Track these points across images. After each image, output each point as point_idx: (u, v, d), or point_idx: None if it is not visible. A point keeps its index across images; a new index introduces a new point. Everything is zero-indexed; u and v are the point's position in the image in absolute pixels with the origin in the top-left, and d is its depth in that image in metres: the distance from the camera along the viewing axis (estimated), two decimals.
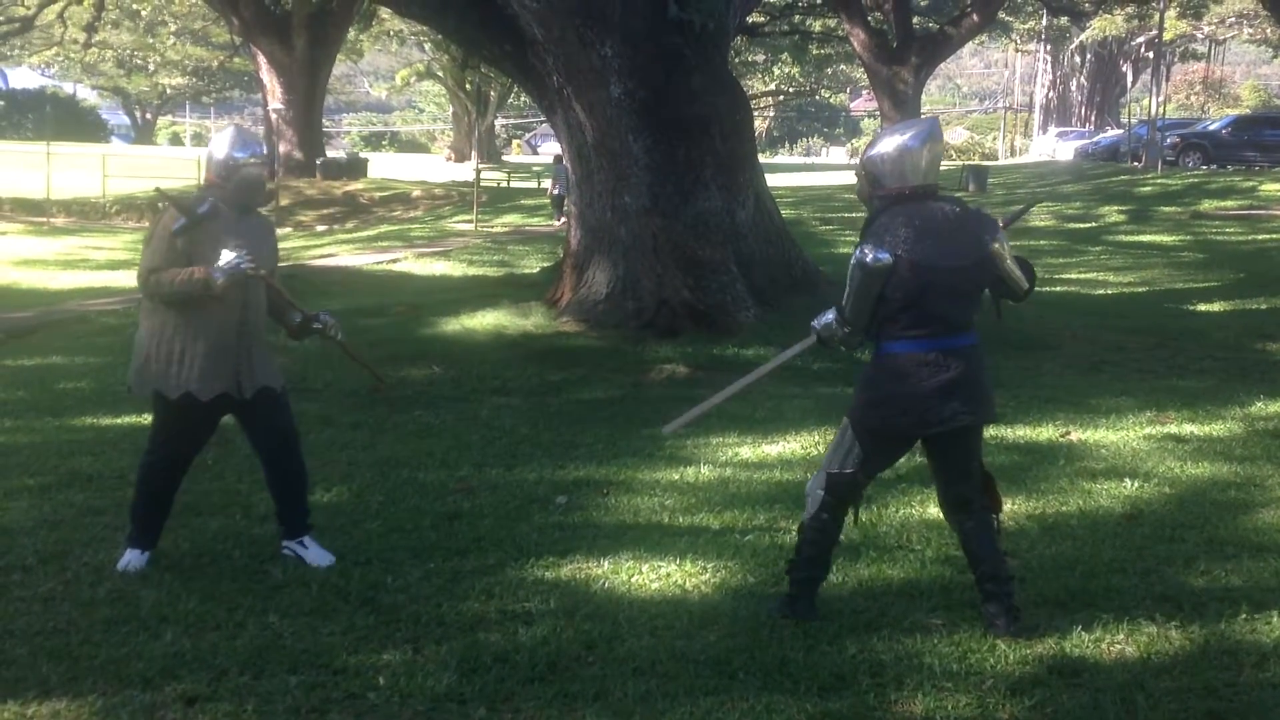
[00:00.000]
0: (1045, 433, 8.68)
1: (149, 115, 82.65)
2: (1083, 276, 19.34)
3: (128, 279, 20.92)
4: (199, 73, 68.69)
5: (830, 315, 4.99)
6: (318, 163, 38.98)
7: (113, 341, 13.37)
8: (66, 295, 18.62)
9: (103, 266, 23.13)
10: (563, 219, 29.13)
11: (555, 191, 29.99)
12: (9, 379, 10.72)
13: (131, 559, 5.65)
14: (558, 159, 33.90)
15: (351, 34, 43.00)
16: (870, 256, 4.71)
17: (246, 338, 5.56)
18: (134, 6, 50.67)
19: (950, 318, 4.75)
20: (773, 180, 16.63)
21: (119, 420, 9.31)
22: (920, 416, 4.75)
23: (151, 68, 66.64)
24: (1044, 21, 56.38)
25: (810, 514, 4.98)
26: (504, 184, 38.30)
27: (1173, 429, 8.76)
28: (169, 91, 75.14)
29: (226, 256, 5.31)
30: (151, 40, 59.26)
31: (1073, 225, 26.31)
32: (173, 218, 5.45)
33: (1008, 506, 6.60)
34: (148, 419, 9.27)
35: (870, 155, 4.87)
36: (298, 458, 5.87)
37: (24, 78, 74.53)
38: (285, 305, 5.84)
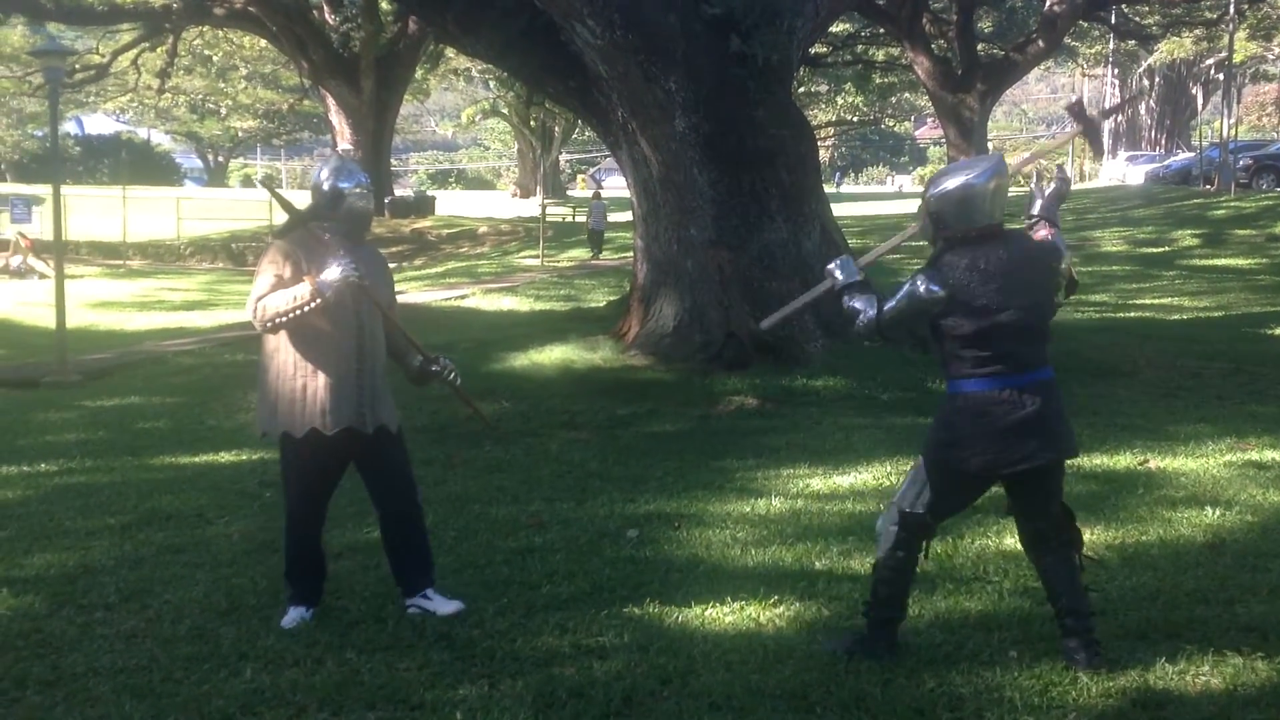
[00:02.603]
0: (1123, 461, 8.54)
1: (221, 158, 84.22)
2: (1157, 302, 19.06)
3: (203, 319, 21.31)
4: (269, 115, 69.86)
5: (861, 302, 4.93)
6: (386, 201, 39.51)
7: (189, 381, 13.62)
8: (143, 336, 19.00)
9: (178, 308, 23.57)
10: (599, 253, 29.35)
11: (591, 226, 30.21)
12: (89, 419, 10.93)
13: (295, 615, 5.50)
14: (596, 196, 34.16)
15: (418, 74, 43.59)
16: (924, 287, 4.67)
17: (367, 368, 5.41)
18: (206, 52, 51.77)
19: (1021, 355, 4.68)
20: (838, 210, 16.58)
21: (197, 459, 9.47)
22: (997, 456, 4.66)
23: (223, 112, 67.93)
24: (1111, 45, 55.83)
25: (884, 552, 4.90)
26: (569, 219, 38.51)
27: (1253, 456, 8.58)
28: (240, 135, 76.52)
29: (331, 269, 5.19)
30: (223, 85, 60.44)
31: (1145, 250, 25.98)
32: (279, 248, 5.36)
33: (1087, 536, 6.50)
34: (224, 457, 9.47)
35: (934, 194, 4.77)
36: (419, 506, 5.70)
37: (99, 124, 76.29)
38: (406, 345, 5.74)
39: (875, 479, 8.24)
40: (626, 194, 14.53)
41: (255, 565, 6.43)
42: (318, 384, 5.31)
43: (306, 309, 5.18)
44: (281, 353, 5.36)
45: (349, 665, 4.95)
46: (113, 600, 5.86)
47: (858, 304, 4.90)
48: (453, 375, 5.82)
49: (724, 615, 5.51)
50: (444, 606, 5.56)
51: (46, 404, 12.57)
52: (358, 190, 5.47)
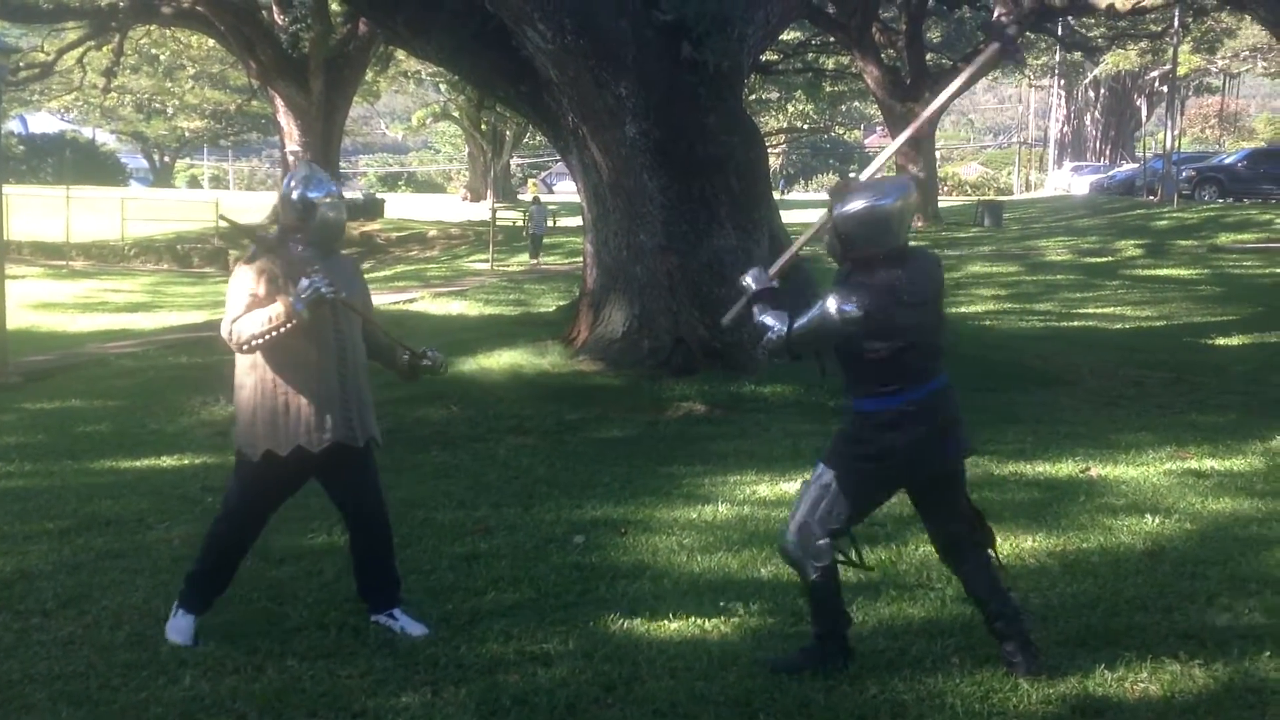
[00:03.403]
0: (1065, 469, 8.64)
1: (167, 158, 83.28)
2: (1100, 311, 19.30)
3: (146, 321, 21.06)
4: (217, 116, 69.14)
5: (771, 318, 4.89)
6: None
7: (131, 384, 13.45)
8: (85, 338, 18.75)
9: (121, 309, 23.27)
10: (538, 258, 29.38)
11: (532, 230, 30.23)
12: (28, 422, 10.77)
13: (188, 625, 5.36)
14: (535, 200, 34.17)
15: (368, 76, 43.33)
16: (837, 307, 4.63)
17: (351, 379, 5.32)
18: (153, 51, 51.20)
19: (928, 368, 4.75)
20: (787, 217, 16.65)
21: (138, 463, 9.35)
22: (916, 465, 4.76)
23: (170, 112, 67.20)
24: (1057, 57, 56.53)
25: (816, 574, 4.80)
26: (519, 223, 38.43)
27: (1193, 464, 8.70)
28: (187, 135, 75.70)
29: (303, 283, 5.07)
30: (170, 84, 59.78)
31: (1089, 260, 26.30)
32: (254, 264, 5.24)
33: (1028, 543, 6.59)
34: (166, 461, 9.36)
35: (844, 214, 4.75)
36: (387, 519, 5.61)
37: (44, 122, 75.19)
38: (389, 344, 5.66)
39: None
40: (577, 199, 14.52)
41: None
42: (301, 401, 5.20)
43: (283, 329, 5.07)
44: (260, 369, 5.24)
45: (290, 672, 4.90)
46: (50, 606, 5.78)
47: (768, 319, 4.87)
48: (443, 366, 5.79)
49: (669, 622, 5.51)
50: (413, 627, 5.43)
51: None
52: (329, 200, 5.35)
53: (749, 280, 5.06)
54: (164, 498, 8.13)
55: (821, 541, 4.79)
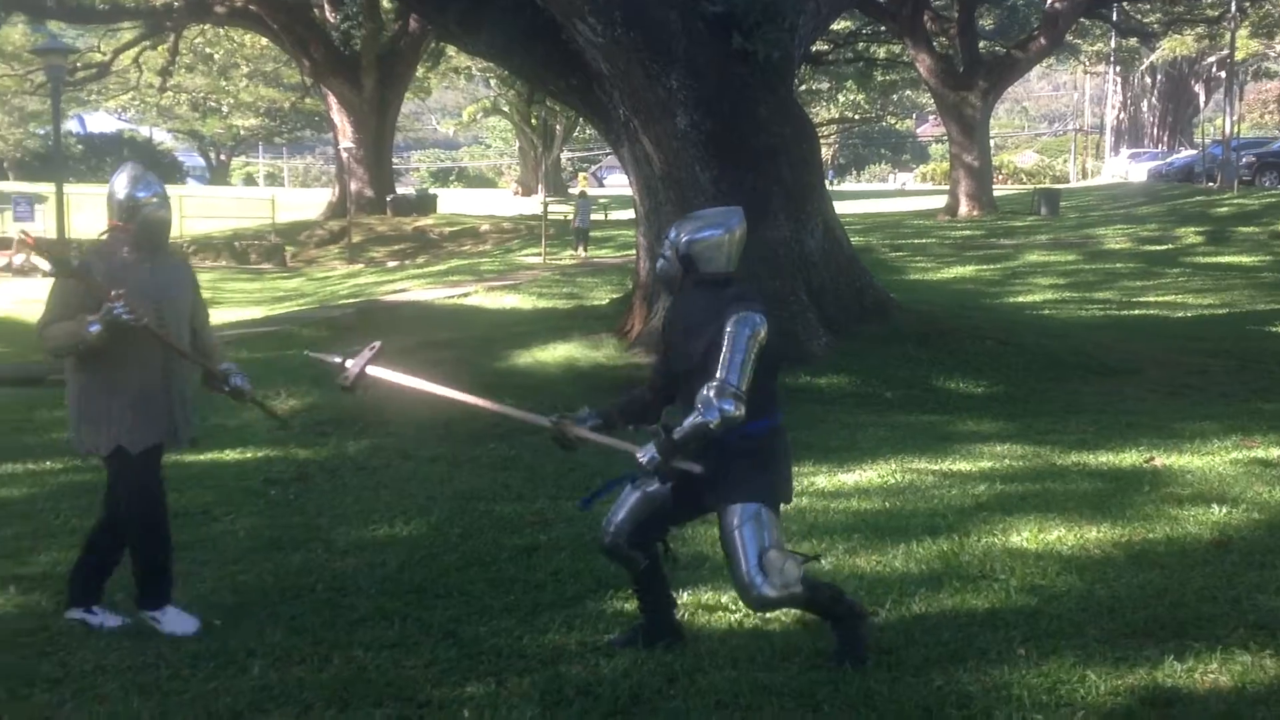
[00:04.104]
0: (1129, 458, 8.54)
1: (223, 156, 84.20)
2: (1161, 299, 19.05)
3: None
4: (271, 114, 69.83)
5: (652, 449, 4.62)
6: (388, 200, 39.51)
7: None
8: None
9: None
10: (583, 250, 29.39)
11: (577, 224, 30.22)
12: None
13: (78, 614, 5.45)
14: (581, 194, 34.20)
15: (419, 72, 43.55)
16: (763, 328, 4.62)
17: (176, 382, 5.41)
18: (207, 50, 51.73)
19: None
20: (841, 208, 16.58)
21: (202, 456, 9.45)
22: (789, 483, 4.84)
23: (225, 110, 67.90)
24: (1112, 43, 55.79)
25: (806, 600, 4.73)
26: (568, 217, 38.51)
27: (1259, 453, 8.58)
28: (242, 133, 76.48)
29: (104, 308, 5.07)
30: (225, 83, 60.38)
31: (1149, 247, 25.95)
32: (73, 269, 5.32)
33: (1092, 534, 6.54)
34: (230, 455, 9.48)
35: (696, 239, 4.79)
36: (167, 520, 5.62)
37: (101, 122, 76.30)
38: (210, 350, 5.70)
39: (880, 477, 8.24)
40: (628, 192, 14.53)
41: (262, 562, 6.42)
42: (123, 403, 5.29)
43: (83, 345, 5.16)
44: (85, 372, 5.31)
45: (356, 662, 4.95)
46: (119, 598, 5.84)
47: (690, 424, 4.56)
48: (243, 395, 5.78)
49: (730, 613, 5.50)
50: (178, 623, 5.41)
51: (51, 402, 12.53)
52: (154, 200, 5.41)
53: (646, 458, 4.65)
54: (228, 490, 8.23)
55: (794, 570, 4.62)
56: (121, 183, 5.42)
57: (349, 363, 5.00)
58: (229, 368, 5.74)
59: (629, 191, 14.59)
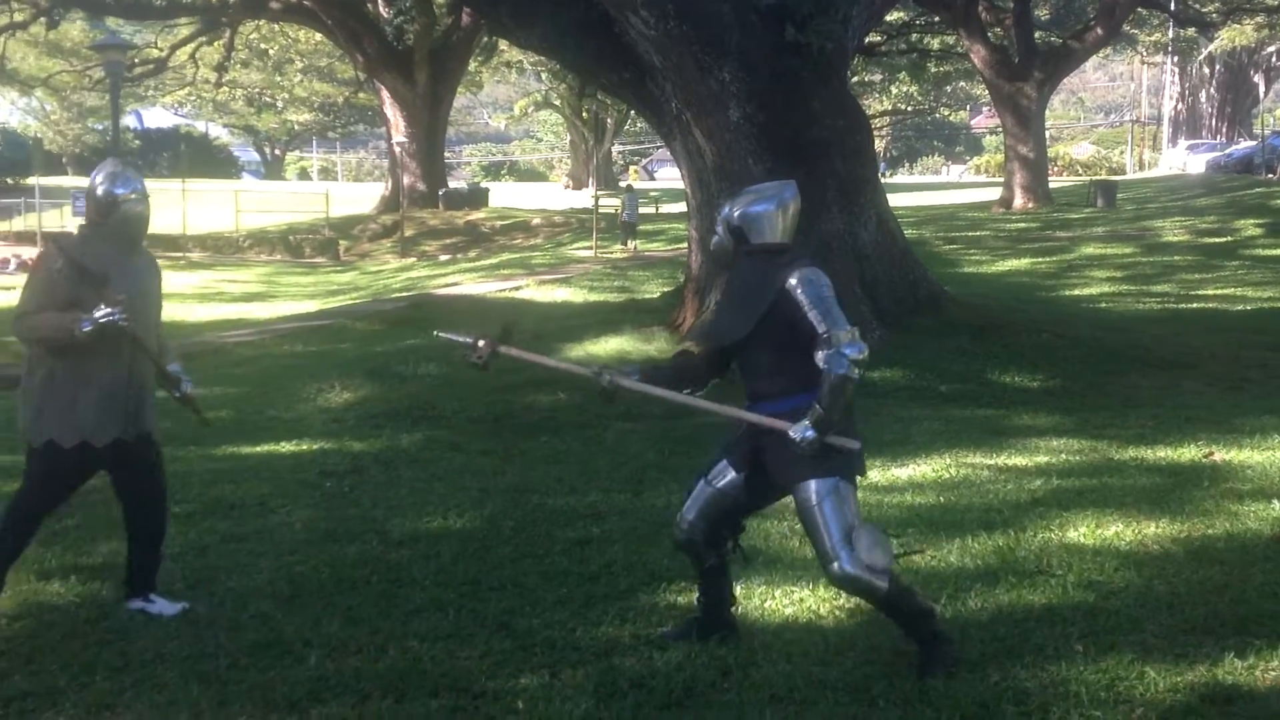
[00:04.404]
0: (1187, 453, 8.43)
1: (277, 151, 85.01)
2: (1220, 292, 18.78)
3: (262, 311, 21.55)
4: (325, 108, 70.47)
5: (807, 427, 4.50)
6: (440, 194, 39.75)
7: (249, 372, 13.78)
8: (204, 327, 19.24)
9: (238, 299, 23.85)
10: (632, 244, 29.38)
11: (624, 218, 30.20)
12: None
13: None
14: (628, 188, 34.14)
15: (471, 66, 43.75)
16: (825, 276, 4.65)
17: (137, 382, 5.47)
18: (262, 46, 52.27)
19: None
20: (894, 200, 16.47)
21: (258, 449, 9.58)
22: None
23: (280, 105, 68.57)
24: (1170, 33, 55.01)
25: (886, 588, 4.56)
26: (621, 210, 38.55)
27: None
28: (296, 128, 77.20)
29: (101, 310, 5.15)
30: (279, 78, 60.98)
31: (1207, 240, 25.58)
32: (52, 259, 5.32)
33: (1151, 529, 6.46)
34: (285, 447, 9.57)
35: (748, 211, 4.76)
36: (164, 510, 5.73)
37: (158, 117, 77.20)
38: (162, 349, 5.74)
39: (934, 471, 8.18)
40: (679, 185, 14.51)
41: (318, 553, 6.48)
42: (90, 398, 5.33)
43: (67, 340, 5.20)
44: (51, 362, 5.35)
45: (411, 653, 4.98)
46: (179, 588, 5.93)
47: (827, 388, 4.48)
48: (190, 389, 5.81)
49: (783, 606, 5.49)
50: (166, 608, 5.56)
51: None
52: (133, 196, 5.44)
53: (808, 433, 4.53)
54: (284, 482, 8.31)
55: (875, 551, 4.52)
56: (100, 179, 5.47)
57: (480, 341, 5.06)
58: (177, 370, 5.77)
59: (680, 185, 14.57)
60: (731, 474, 4.85)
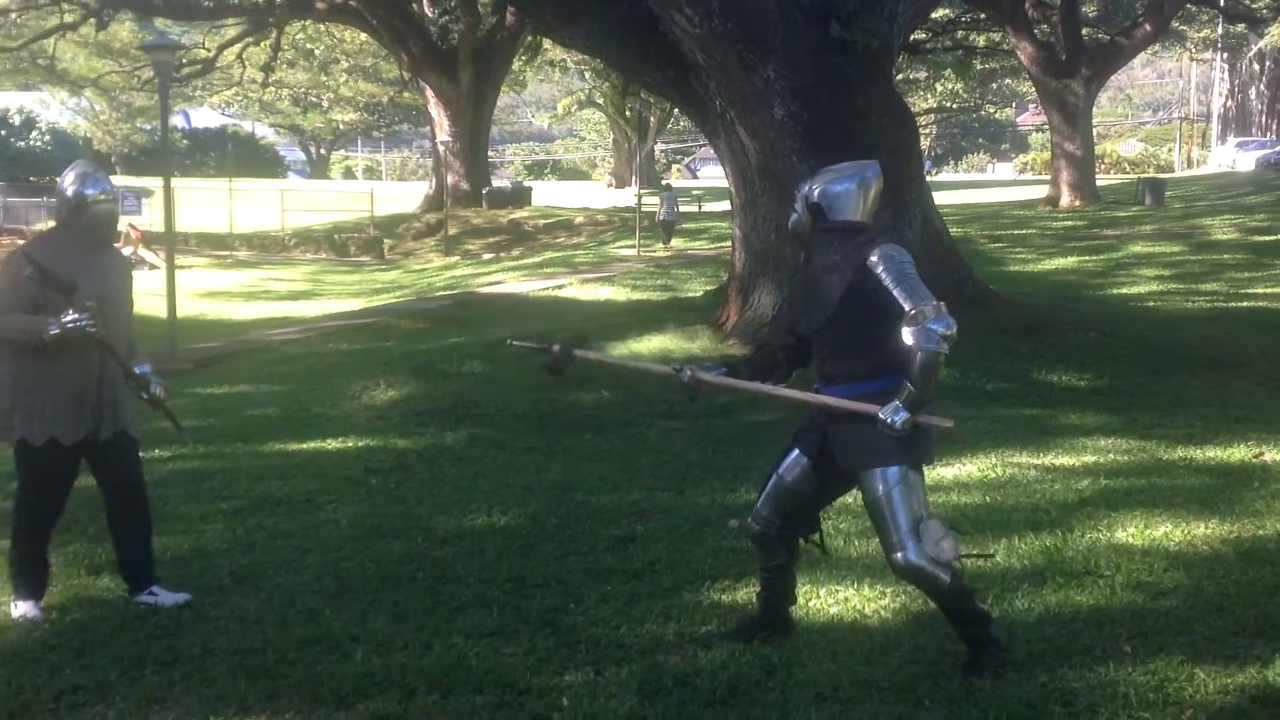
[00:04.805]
0: (1237, 453, 8.33)
1: (323, 150, 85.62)
2: (1270, 291, 18.51)
3: (307, 309, 21.70)
4: (370, 108, 70.87)
5: (898, 408, 4.41)
6: (484, 192, 39.87)
7: (295, 370, 13.88)
8: (250, 325, 19.41)
9: (283, 297, 24.02)
10: (670, 243, 29.35)
11: (661, 217, 30.16)
12: (200, 406, 11.20)
13: (26, 610, 5.51)
14: (666, 186, 34.06)
15: (515, 65, 43.87)
16: (905, 251, 4.59)
17: (108, 382, 5.49)
18: (308, 46, 52.62)
19: None
20: (939, 198, 16.37)
21: (304, 445, 9.65)
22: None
23: (325, 105, 69.02)
24: (1219, 29, 54.34)
25: (951, 576, 4.53)
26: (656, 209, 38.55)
27: None
28: (341, 127, 77.68)
29: (69, 315, 5.21)
30: (325, 78, 61.35)
31: (1257, 238, 25.22)
32: (20, 264, 5.33)
33: (1200, 530, 6.38)
34: (331, 444, 9.65)
35: (827, 188, 4.71)
36: (145, 505, 5.77)
37: (205, 117, 77.91)
38: (133, 349, 5.76)
39: (980, 470, 8.13)
40: (722, 184, 14.49)
41: (363, 550, 6.52)
42: (58, 399, 5.37)
43: (34, 342, 5.25)
44: (19, 361, 5.39)
45: (456, 649, 5.00)
46: (226, 583, 5.99)
47: (918, 366, 4.38)
48: (158, 390, 5.80)
49: (828, 605, 5.47)
50: (170, 598, 5.63)
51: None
52: (103, 197, 5.47)
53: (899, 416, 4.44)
54: (330, 479, 8.37)
55: (945, 543, 4.48)
56: (70, 180, 5.51)
57: (556, 347, 5.09)
58: (145, 370, 5.78)
59: (724, 183, 14.55)
60: (802, 464, 4.81)
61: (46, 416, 5.38)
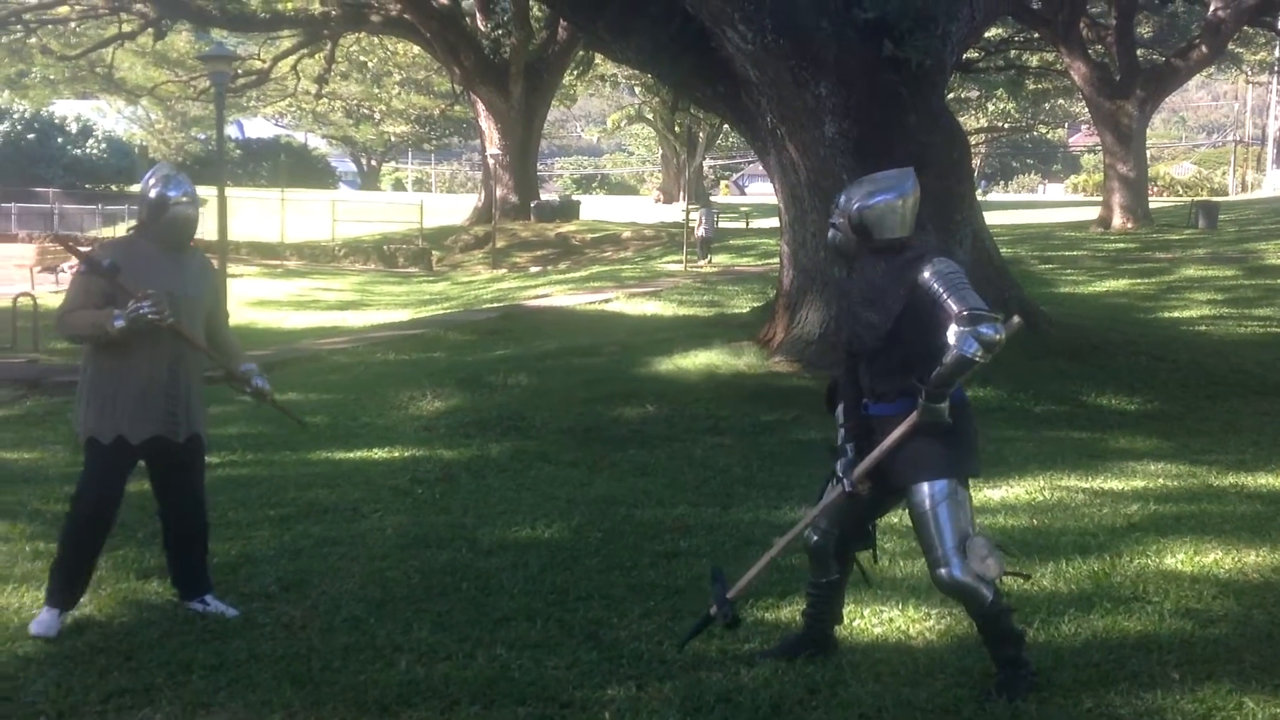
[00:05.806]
0: None
1: (374, 162, 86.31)
2: None
3: (356, 319, 21.87)
4: (421, 120, 71.43)
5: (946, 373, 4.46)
6: (532, 205, 40.07)
7: (343, 379, 13.98)
8: (300, 334, 19.57)
9: (333, 307, 24.22)
10: (708, 259, 29.34)
11: (700, 233, 30.14)
12: (250, 414, 11.28)
13: (47, 621, 5.44)
14: (707, 202, 34.02)
15: (566, 80, 44.07)
16: (954, 262, 4.66)
17: (181, 379, 5.50)
18: (362, 58, 53.15)
19: None
20: (990, 218, 16.27)
21: (352, 454, 9.71)
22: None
23: (377, 117, 69.59)
24: (1276, 52, 53.73)
25: (992, 593, 4.51)
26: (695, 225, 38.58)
27: None
28: (393, 139, 78.31)
29: (130, 305, 5.25)
30: (377, 90, 61.90)
31: None
32: (85, 259, 5.47)
33: (1251, 558, 6.30)
34: (378, 453, 9.71)
35: (869, 205, 4.73)
36: (204, 514, 5.79)
37: (259, 128, 78.78)
38: (231, 350, 5.85)
39: (1028, 493, 8.07)
40: (771, 200, 14.47)
41: (409, 559, 6.56)
42: (128, 393, 5.40)
43: (104, 337, 5.31)
44: (98, 359, 5.46)
45: (499, 661, 5.02)
46: (273, 590, 6.04)
47: (950, 361, 4.41)
48: (262, 398, 5.89)
49: (872, 626, 5.45)
50: (220, 609, 5.66)
51: (208, 398, 13.00)
52: (184, 199, 5.52)
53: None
54: (376, 488, 8.43)
55: (988, 559, 4.45)
56: (153, 181, 5.59)
57: (712, 608, 4.95)
58: (249, 368, 5.86)
59: (772, 199, 14.53)
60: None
61: (116, 413, 5.42)
